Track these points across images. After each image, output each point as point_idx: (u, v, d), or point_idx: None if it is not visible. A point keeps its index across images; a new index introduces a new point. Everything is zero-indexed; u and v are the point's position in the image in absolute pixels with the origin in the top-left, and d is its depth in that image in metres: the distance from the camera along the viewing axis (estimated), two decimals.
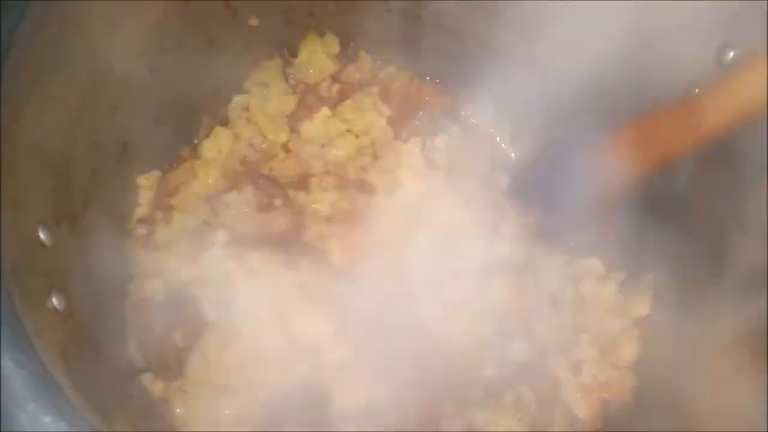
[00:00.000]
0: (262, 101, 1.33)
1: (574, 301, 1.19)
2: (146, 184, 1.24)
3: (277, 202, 1.24)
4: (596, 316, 1.18)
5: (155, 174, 1.26)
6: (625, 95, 1.17)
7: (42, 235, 0.90)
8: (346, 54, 1.39)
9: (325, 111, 1.31)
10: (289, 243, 1.21)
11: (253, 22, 1.28)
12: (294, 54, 1.36)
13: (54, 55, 0.93)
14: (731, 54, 0.97)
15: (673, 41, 1.04)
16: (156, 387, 1.12)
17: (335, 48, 1.37)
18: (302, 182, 1.28)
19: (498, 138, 1.40)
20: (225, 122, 1.34)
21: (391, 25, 1.35)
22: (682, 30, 1.02)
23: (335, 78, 1.38)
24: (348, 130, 1.32)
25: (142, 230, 1.22)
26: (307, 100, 1.36)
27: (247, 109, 1.33)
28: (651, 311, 1.17)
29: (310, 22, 1.33)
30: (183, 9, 1.16)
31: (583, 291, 1.20)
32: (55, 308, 0.88)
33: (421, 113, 1.37)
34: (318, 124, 1.31)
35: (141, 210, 1.24)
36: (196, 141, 1.33)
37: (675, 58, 1.05)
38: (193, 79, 1.26)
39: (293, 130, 1.33)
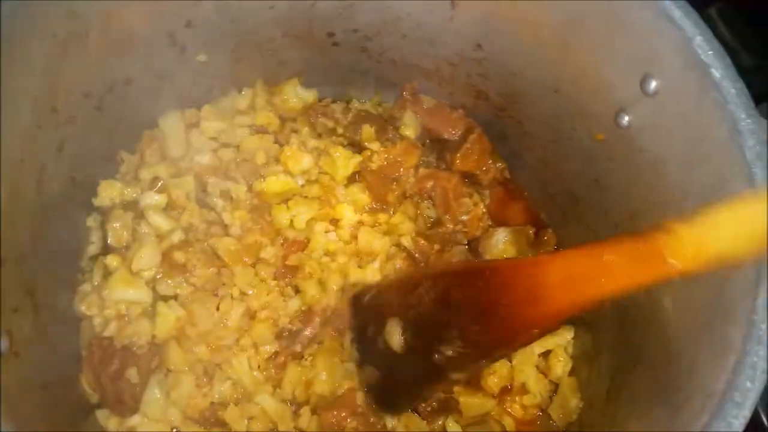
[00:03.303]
0: None
1: None
2: (95, 224, 1.25)
3: None
4: None
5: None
6: (561, 125, 1.24)
7: None
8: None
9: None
10: None
11: (202, 58, 1.30)
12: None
13: None
14: (653, 84, 1.02)
15: (600, 73, 1.09)
16: (110, 423, 1.13)
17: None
18: None
19: None
20: None
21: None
22: (606, 63, 1.08)
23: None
24: None
25: (93, 267, 1.22)
26: None
27: None
28: None
29: (259, 56, 1.36)
30: (129, 47, 1.18)
31: None
32: None
33: None
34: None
35: (92, 248, 1.24)
36: None
37: (603, 88, 1.11)
38: (142, 116, 1.28)
39: None
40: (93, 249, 1.24)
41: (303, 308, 1.23)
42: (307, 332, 1.21)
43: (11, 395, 0.84)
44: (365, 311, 1.18)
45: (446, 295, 1.07)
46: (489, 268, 1.07)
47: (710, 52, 0.94)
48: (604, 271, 0.85)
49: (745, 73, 0.94)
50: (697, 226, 0.78)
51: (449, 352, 1.06)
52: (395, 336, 1.14)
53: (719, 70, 0.93)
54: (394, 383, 1.15)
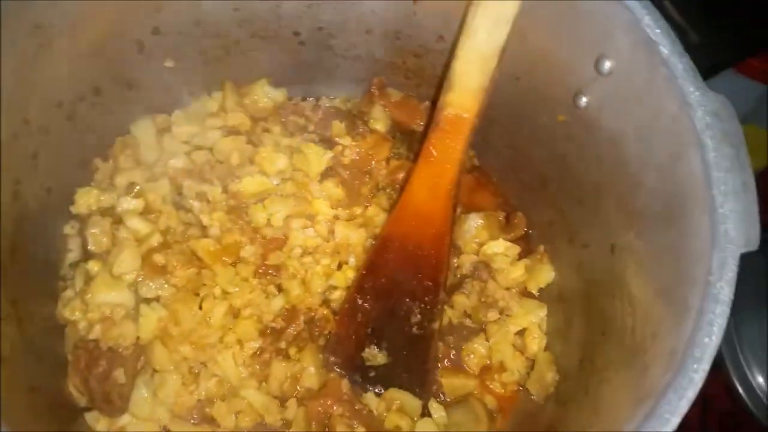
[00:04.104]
0: None
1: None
2: (73, 232, 1.26)
3: None
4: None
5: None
6: (524, 111, 1.28)
7: None
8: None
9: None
10: None
11: (169, 63, 1.32)
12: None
13: None
14: (607, 64, 1.07)
15: (556, 57, 1.13)
16: (100, 425, 1.15)
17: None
18: None
19: None
20: None
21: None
22: (561, 47, 1.12)
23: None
24: None
25: (75, 274, 1.23)
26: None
27: None
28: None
29: (226, 58, 1.38)
30: (97, 56, 1.20)
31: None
32: None
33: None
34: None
35: (72, 255, 1.26)
36: None
37: (560, 72, 1.15)
38: (113, 123, 1.30)
39: None
40: (72, 256, 1.25)
41: (287, 307, 1.25)
42: (291, 330, 1.23)
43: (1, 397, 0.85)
44: (338, 361, 1.26)
45: (379, 287, 1.24)
46: (383, 239, 1.25)
47: (657, 31, 0.98)
48: (441, 162, 1.15)
49: (692, 49, 0.98)
50: (453, 84, 1.08)
51: (417, 317, 1.23)
52: (378, 355, 1.24)
53: (667, 47, 0.97)
54: (403, 374, 1.24)
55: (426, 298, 1.22)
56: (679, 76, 0.96)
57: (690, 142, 0.95)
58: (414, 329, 1.23)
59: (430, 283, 1.23)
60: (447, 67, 1.10)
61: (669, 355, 0.86)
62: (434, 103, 1.43)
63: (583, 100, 1.14)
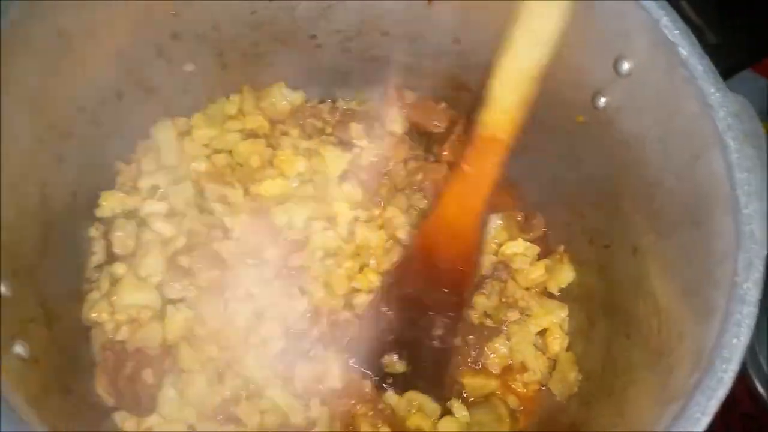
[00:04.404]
0: None
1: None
2: (98, 234, 1.27)
3: None
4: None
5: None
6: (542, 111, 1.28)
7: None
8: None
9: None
10: None
11: (188, 67, 1.33)
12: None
13: None
14: (626, 65, 1.07)
15: (574, 58, 1.14)
16: (127, 424, 1.16)
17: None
18: None
19: None
20: None
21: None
22: (580, 47, 1.12)
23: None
24: None
25: (100, 276, 1.24)
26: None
27: None
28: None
29: (244, 62, 1.39)
30: (118, 61, 1.21)
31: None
32: (19, 355, 0.92)
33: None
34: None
35: (96, 258, 1.27)
36: None
37: (579, 73, 1.15)
38: (135, 127, 1.31)
39: None
40: (97, 259, 1.26)
41: (310, 309, 1.26)
42: (315, 332, 1.25)
43: (35, 399, 0.87)
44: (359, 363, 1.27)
45: (404, 297, 1.25)
46: (411, 250, 1.27)
47: (676, 32, 0.99)
48: (475, 180, 1.18)
49: (710, 50, 0.99)
50: (491, 104, 1.11)
51: (440, 332, 1.24)
52: (396, 364, 1.25)
53: (686, 48, 0.98)
54: (419, 386, 1.25)
55: (449, 314, 1.23)
56: (699, 77, 0.97)
57: (711, 144, 0.95)
58: (435, 342, 1.24)
59: (455, 298, 1.24)
60: (484, 86, 1.12)
61: (696, 356, 0.87)
62: (448, 104, 1.46)
63: (602, 100, 1.15)
